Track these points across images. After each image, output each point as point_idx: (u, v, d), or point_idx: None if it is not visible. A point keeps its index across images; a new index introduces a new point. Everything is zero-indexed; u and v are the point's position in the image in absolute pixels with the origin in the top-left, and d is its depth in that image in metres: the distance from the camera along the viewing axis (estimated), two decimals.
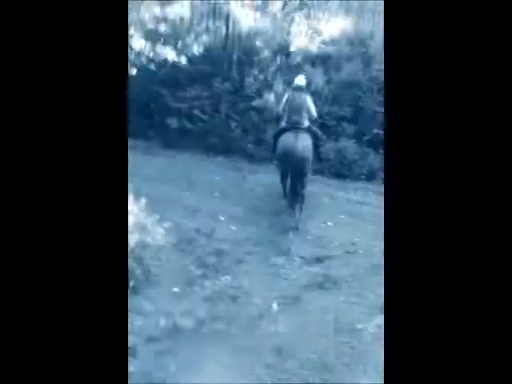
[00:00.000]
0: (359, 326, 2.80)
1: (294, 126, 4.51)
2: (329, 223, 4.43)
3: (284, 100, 4.81)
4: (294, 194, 4.51)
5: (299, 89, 4.72)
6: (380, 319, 2.86)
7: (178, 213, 4.38)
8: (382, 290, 3.13)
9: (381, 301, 3.04)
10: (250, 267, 3.48)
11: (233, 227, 4.21)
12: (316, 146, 4.73)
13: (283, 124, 4.66)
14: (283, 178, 4.68)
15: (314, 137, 4.68)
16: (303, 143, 4.40)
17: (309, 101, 4.71)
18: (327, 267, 3.54)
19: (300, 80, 4.85)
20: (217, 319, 2.83)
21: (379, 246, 3.85)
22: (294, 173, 4.47)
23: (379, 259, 3.67)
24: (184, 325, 2.74)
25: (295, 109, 4.58)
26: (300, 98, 4.64)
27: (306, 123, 4.62)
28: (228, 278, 3.31)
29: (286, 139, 4.45)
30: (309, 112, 4.66)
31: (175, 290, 3.15)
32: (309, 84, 6.31)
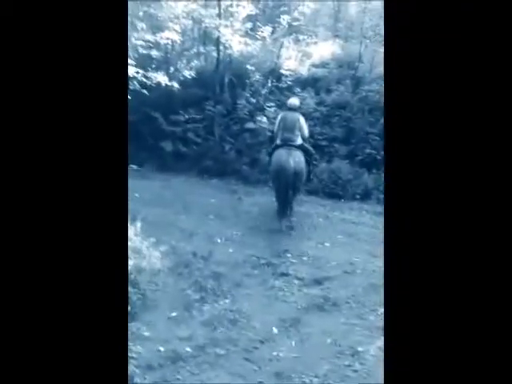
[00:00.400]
0: (361, 349, 2.76)
1: (287, 144, 4.71)
2: (326, 244, 4.43)
3: (278, 119, 5.03)
4: (283, 207, 4.68)
5: (293, 109, 4.98)
6: (381, 341, 2.84)
7: (174, 236, 4.36)
8: (382, 310, 3.15)
9: (382, 322, 3.03)
10: (249, 290, 3.44)
11: (230, 249, 4.18)
12: (308, 163, 4.91)
13: (278, 142, 4.85)
14: (277, 195, 4.80)
15: (307, 153, 4.87)
16: (295, 159, 4.59)
17: (302, 120, 4.92)
18: (326, 288, 3.51)
19: (294, 101, 5.15)
20: (216, 344, 2.78)
21: (376, 265, 3.90)
22: (287, 187, 4.61)
23: (377, 278, 3.70)
24: (183, 351, 2.68)
25: (288, 127, 4.79)
26: (293, 117, 4.87)
27: (299, 141, 4.81)
28: (227, 301, 3.27)
29: (279, 155, 4.66)
30: (301, 131, 4.85)
31: (173, 314, 3.09)
32: (300, 105, 6.46)
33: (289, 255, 4.11)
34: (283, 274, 3.73)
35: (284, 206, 4.71)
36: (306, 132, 4.94)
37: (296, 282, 3.62)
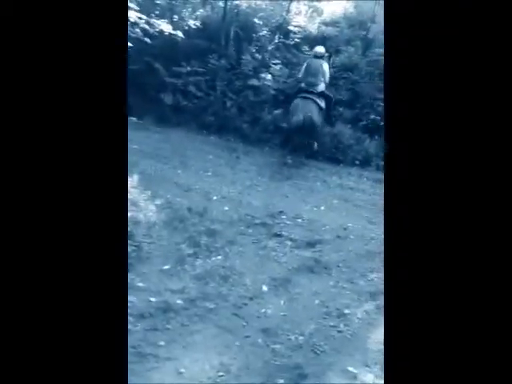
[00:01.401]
0: (347, 311, 2.83)
1: (309, 89, 5.38)
2: (321, 208, 4.43)
3: (304, 65, 5.67)
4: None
5: (318, 56, 5.67)
6: (369, 305, 2.91)
7: (170, 190, 4.35)
8: (372, 276, 3.21)
9: (371, 287, 3.10)
10: (242, 248, 3.48)
11: (225, 207, 4.19)
12: (329, 108, 5.57)
13: (302, 85, 5.50)
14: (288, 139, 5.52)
15: (327, 99, 5.53)
16: (307, 113, 5.20)
17: (325, 66, 5.58)
18: (318, 251, 3.55)
19: (319, 49, 5.79)
20: (207, 298, 2.84)
21: (371, 231, 3.93)
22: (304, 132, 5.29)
23: (371, 245, 3.74)
24: (174, 303, 2.74)
25: (313, 73, 5.47)
26: (317, 63, 5.55)
27: (322, 86, 5.48)
28: (219, 257, 3.31)
29: (296, 106, 5.30)
30: (324, 76, 5.53)
31: (166, 267, 3.13)
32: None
33: (283, 217, 4.12)
34: (277, 235, 3.76)
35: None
36: (327, 78, 5.57)
37: (289, 243, 3.66)
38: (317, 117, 5.26)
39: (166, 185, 4.49)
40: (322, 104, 5.38)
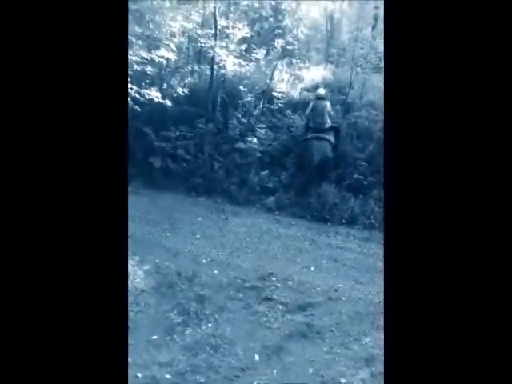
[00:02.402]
0: (343, 380, 2.73)
1: (319, 129, 6.09)
2: (311, 268, 4.42)
3: (310, 107, 6.31)
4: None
5: (321, 98, 6.31)
6: (364, 372, 2.82)
7: (158, 255, 4.30)
8: (366, 340, 3.15)
9: (365, 352, 3.03)
10: (232, 315, 3.40)
11: (215, 271, 4.14)
12: (337, 138, 6.23)
13: (311, 125, 6.20)
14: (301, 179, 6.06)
15: (336, 132, 6.23)
16: (324, 151, 5.99)
17: (328, 106, 6.30)
18: (310, 315, 3.49)
19: (321, 91, 6.55)
20: (197, 371, 2.72)
21: (362, 292, 3.90)
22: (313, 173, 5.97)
23: (362, 306, 3.70)
24: (163, 377, 2.62)
25: (319, 113, 6.15)
26: (322, 104, 6.22)
27: (329, 123, 6.19)
28: (209, 325, 3.22)
29: (312, 147, 5.98)
30: (329, 114, 6.24)
31: (154, 338, 3.03)
32: (289, 127, 6.62)
33: (273, 279, 4.09)
34: (267, 299, 3.70)
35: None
36: (332, 115, 6.33)
37: (280, 307, 3.59)
38: (330, 153, 6.05)
39: (155, 249, 4.45)
40: (332, 139, 6.10)
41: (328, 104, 6.28)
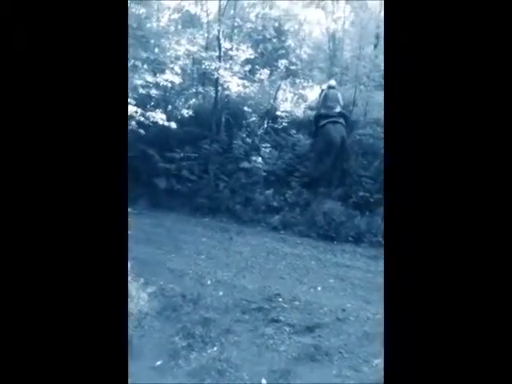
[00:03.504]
0: None
1: (330, 114, 6.53)
2: (318, 288, 4.34)
3: (322, 95, 6.89)
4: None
5: (332, 87, 6.93)
6: None
7: (163, 276, 4.26)
8: (376, 362, 3.05)
9: (375, 374, 2.93)
10: (238, 337, 3.33)
11: (220, 292, 4.09)
12: (347, 125, 6.64)
13: (322, 111, 6.67)
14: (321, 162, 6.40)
15: (345, 118, 6.62)
16: (342, 133, 6.43)
17: (339, 95, 6.85)
18: (318, 336, 3.40)
19: (332, 82, 7.15)
20: None
21: (370, 312, 3.81)
22: (335, 156, 6.35)
23: (371, 326, 3.60)
24: None
25: (331, 99, 6.71)
26: (334, 92, 6.85)
27: (339, 109, 6.65)
28: (215, 349, 3.15)
29: (328, 130, 6.42)
30: (339, 102, 6.75)
31: (158, 363, 2.96)
32: (293, 146, 6.65)
33: (280, 299, 4.01)
34: (274, 320, 3.62)
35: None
36: (342, 103, 6.81)
37: (287, 329, 3.51)
38: (345, 134, 6.49)
39: (160, 270, 4.41)
40: (344, 123, 6.56)
41: (338, 93, 6.83)
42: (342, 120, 6.51)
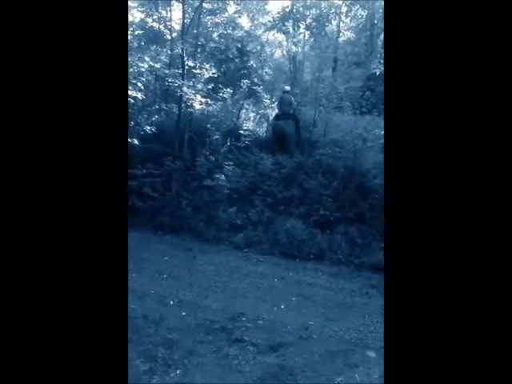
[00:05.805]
0: None
1: (285, 114, 8.00)
2: (281, 306, 4.38)
3: (279, 99, 8.37)
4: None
5: (287, 92, 8.31)
6: None
7: None
8: (339, 379, 3.11)
9: None
10: (202, 359, 3.29)
11: (183, 312, 4.03)
12: (297, 127, 7.95)
13: (278, 112, 8.18)
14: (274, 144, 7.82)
15: (295, 120, 7.99)
16: (290, 128, 7.83)
17: (292, 99, 8.26)
18: (282, 355, 3.43)
19: (287, 87, 8.62)
20: None
21: (332, 329, 3.89)
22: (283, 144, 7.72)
23: (333, 344, 3.68)
24: None
25: (285, 103, 8.10)
26: (288, 97, 8.19)
27: (291, 111, 8.14)
28: (178, 372, 3.09)
29: (280, 125, 7.82)
30: (292, 105, 8.19)
31: None
32: (256, 164, 6.75)
33: (244, 319, 4.01)
34: (238, 340, 3.61)
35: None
36: (294, 106, 8.32)
37: (251, 348, 3.51)
38: (292, 127, 7.85)
39: None
40: (293, 121, 7.96)
41: (292, 98, 8.27)
42: (292, 118, 7.95)
